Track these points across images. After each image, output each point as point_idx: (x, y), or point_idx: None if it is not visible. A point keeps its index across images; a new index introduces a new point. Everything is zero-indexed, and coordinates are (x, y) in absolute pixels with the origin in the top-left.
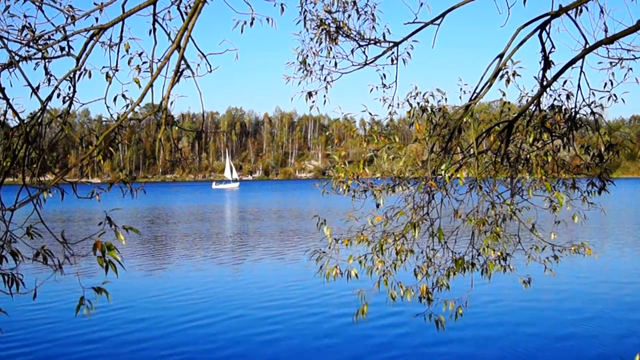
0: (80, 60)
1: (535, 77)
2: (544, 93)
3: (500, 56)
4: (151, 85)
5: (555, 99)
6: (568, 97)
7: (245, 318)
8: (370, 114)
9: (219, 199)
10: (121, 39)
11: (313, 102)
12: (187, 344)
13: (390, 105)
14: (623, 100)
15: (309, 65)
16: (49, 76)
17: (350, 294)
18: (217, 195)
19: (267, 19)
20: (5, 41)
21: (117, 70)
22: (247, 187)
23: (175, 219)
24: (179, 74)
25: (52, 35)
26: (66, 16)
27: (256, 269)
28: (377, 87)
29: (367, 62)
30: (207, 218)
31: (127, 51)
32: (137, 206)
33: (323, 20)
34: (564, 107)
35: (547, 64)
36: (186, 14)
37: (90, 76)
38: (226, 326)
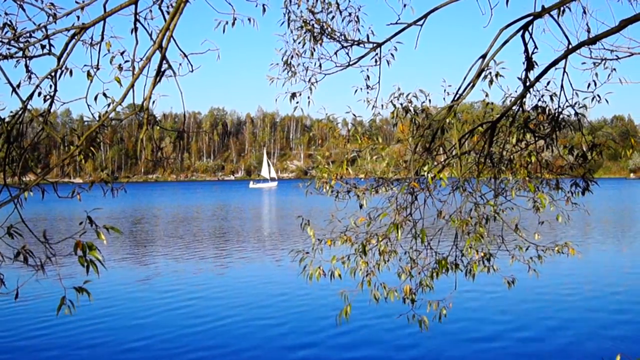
0: (62, 60)
1: (518, 78)
2: (528, 94)
3: (483, 57)
4: (133, 85)
5: (539, 100)
6: (551, 98)
7: (227, 318)
8: (354, 115)
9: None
10: (102, 38)
11: (297, 103)
12: (173, 346)
13: (374, 106)
14: (607, 101)
15: (292, 66)
16: (29, 74)
17: (333, 295)
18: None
19: (249, 19)
20: None
21: (98, 69)
22: (283, 185)
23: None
24: (160, 74)
25: (34, 33)
26: (47, 14)
27: (243, 269)
28: (361, 88)
29: (351, 63)
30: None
31: (108, 50)
32: (176, 204)
33: (307, 21)
34: (547, 108)
35: (530, 64)
36: (168, 13)
37: (71, 74)
38: (208, 327)
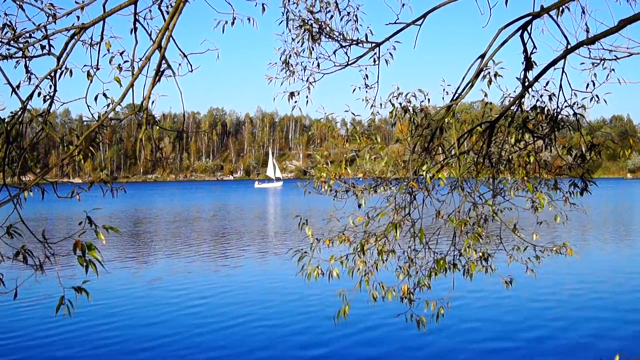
0: (61, 60)
1: (517, 78)
2: (527, 94)
3: (482, 57)
4: (132, 85)
5: (537, 100)
6: (550, 98)
7: (225, 318)
8: (353, 114)
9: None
10: (102, 38)
11: (295, 102)
12: (173, 348)
13: (372, 105)
14: (605, 101)
15: (291, 65)
16: (29, 75)
17: (331, 295)
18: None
19: (248, 19)
20: None
21: (98, 69)
22: (287, 185)
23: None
24: (160, 74)
25: (33, 33)
26: (47, 15)
27: (244, 268)
28: (359, 88)
29: (349, 62)
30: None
31: (108, 50)
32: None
33: (305, 21)
34: (546, 108)
35: (528, 64)
36: (167, 13)
37: (71, 75)
38: (207, 327)
